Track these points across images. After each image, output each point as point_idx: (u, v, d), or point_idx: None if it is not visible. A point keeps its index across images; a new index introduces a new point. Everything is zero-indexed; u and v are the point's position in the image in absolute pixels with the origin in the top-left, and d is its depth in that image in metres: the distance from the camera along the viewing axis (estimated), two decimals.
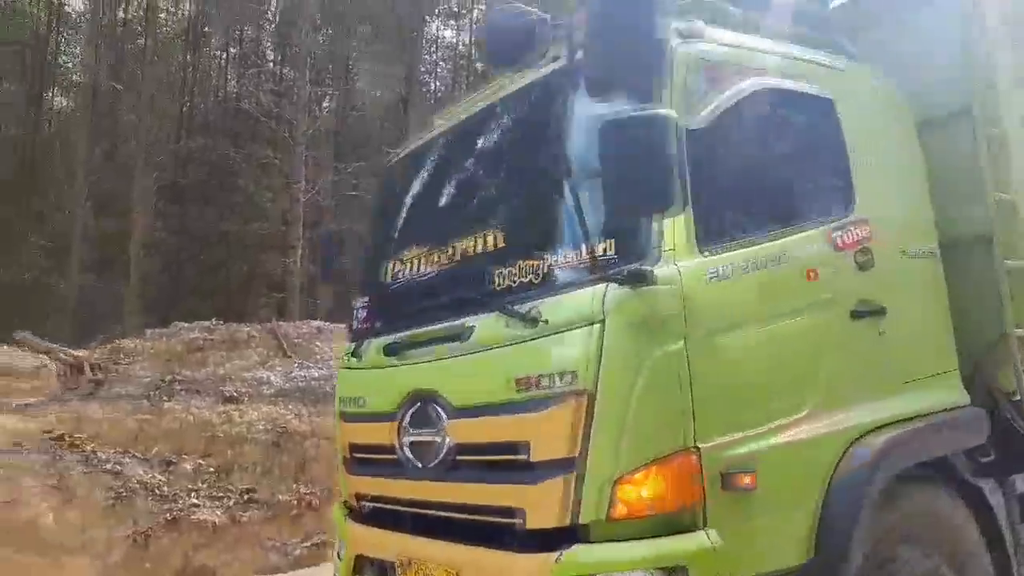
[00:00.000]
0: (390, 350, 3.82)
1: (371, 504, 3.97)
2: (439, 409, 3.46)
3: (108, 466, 8.24)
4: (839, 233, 3.44)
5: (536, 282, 3.19)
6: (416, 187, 4.28)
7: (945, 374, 3.79)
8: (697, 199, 3.05)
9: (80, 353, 13.02)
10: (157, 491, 8.09)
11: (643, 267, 2.86)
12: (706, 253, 3.04)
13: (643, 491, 2.81)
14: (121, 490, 7.84)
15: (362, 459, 4.03)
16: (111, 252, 26.32)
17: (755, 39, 3.57)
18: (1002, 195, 4.03)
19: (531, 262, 3.23)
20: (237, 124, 27.88)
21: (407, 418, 3.61)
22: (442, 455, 3.43)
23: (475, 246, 3.52)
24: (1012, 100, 4.16)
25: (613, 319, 2.89)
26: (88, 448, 8.64)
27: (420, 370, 3.65)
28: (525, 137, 3.52)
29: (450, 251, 3.66)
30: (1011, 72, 4.20)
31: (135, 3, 28.74)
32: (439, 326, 3.57)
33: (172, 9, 29.32)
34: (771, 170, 3.39)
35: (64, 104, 28.50)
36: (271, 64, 30.18)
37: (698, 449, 2.86)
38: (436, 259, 3.76)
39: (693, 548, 2.77)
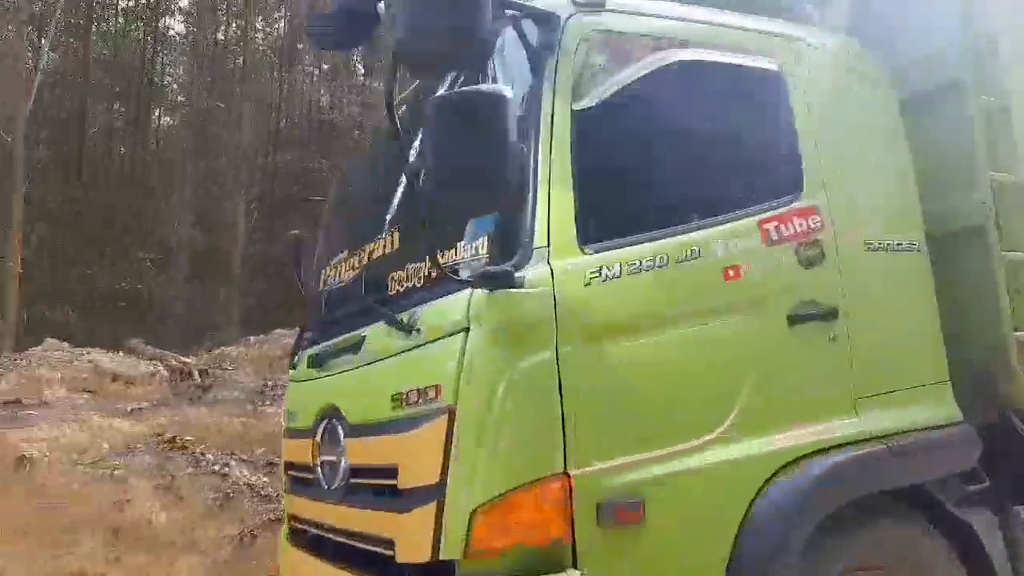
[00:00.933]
0: (314, 361, 3.61)
1: (299, 526, 3.75)
2: (340, 426, 3.22)
3: (215, 467, 8.40)
4: (775, 225, 2.97)
5: (419, 286, 2.90)
6: (349, 191, 4.11)
7: (929, 387, 3.24)
8: (584, 190, 2.68)
9: (187, 359, 13.59)
10: (260, 491, 8.19)
11: (504, 268, 2.51)
12: (590, 251, 2.65)
13: (504, 524, 2.45)
14: (227, 490, 7.95)
15: (293, 477, 3.82)
16: (212, 262, 27.36)
17: (683, 7, 3.15)
18: (1005, 176, 3.45)
19: (417, 264, 2.94)
20: (325, 137, 28.54)
21: (318, 435, 3.38)
22: (340, 477, 3.18)
23: (378, 249, 3.26)
24: (1018, 68, 3.57)
25: (475, 327, 2.56)
26: (195, 450, 8.85)
27: (330, 383, 3.43)
28: (412, 133, 3.21)
29: (362, 255, 3.42)
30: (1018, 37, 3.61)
31: (233, 25, 29.87)
32: (345, 336, 3.34)
33: (267, 30, 30.31)
34: (684, 155, 2.94)
35: (166, 122, 29.92)
36: (360, 77, 30.78)
37: (568, 475, 2.48)
38: (354, 264, 3.52)
39: None
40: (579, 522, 2.46)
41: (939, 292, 3.39)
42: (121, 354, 15.70)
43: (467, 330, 2.57)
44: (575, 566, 2.43)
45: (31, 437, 8.06)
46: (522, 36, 2.78)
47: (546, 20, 2.78)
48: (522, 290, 2.50)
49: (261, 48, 28.86)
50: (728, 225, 2.87)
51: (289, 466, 3.86)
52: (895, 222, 3.33)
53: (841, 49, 3.44)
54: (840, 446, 2.90)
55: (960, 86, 3.45)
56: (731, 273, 2.84)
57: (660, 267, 2.72)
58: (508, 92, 2.37)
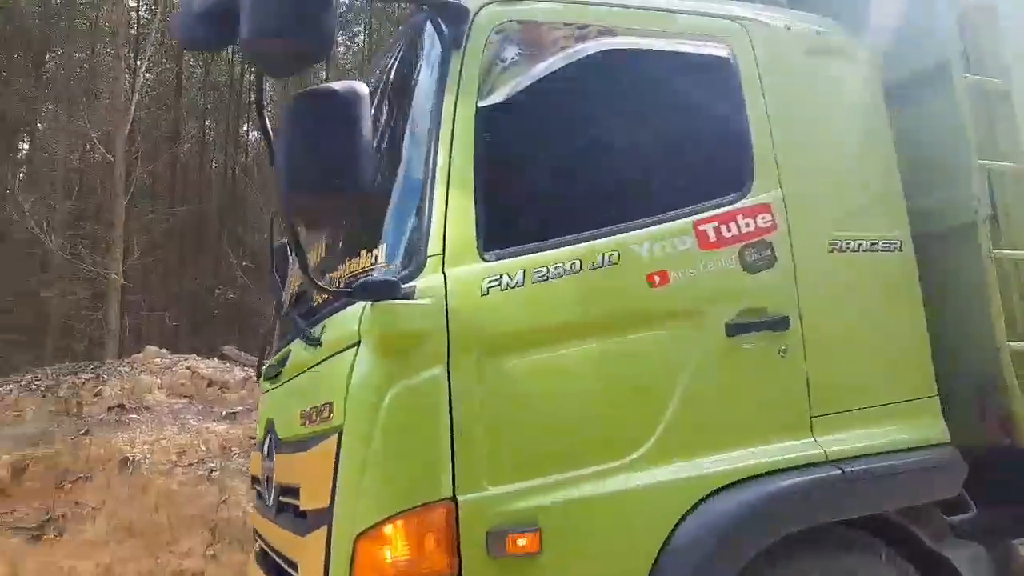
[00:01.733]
0: (265, 373, 3.56)
1: (258, 542, 3.68)
2: (275, 442, 3.14)
3: None
4: (714, 226, 2.69)
5: (329, 298, 2.77)
6: None
7: (907, 403, 2.90)
8: (490, 192, 2.48)
9: None
10: None
11: (386, 278, 2.34)
12: (491, 258, 2.45)
13: (386, 551, 2.28)
14: None
15: (256, 491, 3.76)
16: None
17: None
18: (1006, 165, 3.08)
19: (334, 273, 2.81)
20: None
21: (265, 449, 3.31)
22: (272, 494, 3.09)
23: (311, 257, 3.15)
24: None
25: (364, 341, 2.40)
26: None
27: (271, 397, 3.38)
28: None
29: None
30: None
31: None
32: (282, 349, 3.26)
33: (348, 44, 30.89)
34: (607, 153, 2.71)
35: (255, 136, 30.83)
36: None
37: (455, 500, 2.29)
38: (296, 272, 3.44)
39: None
40: (466, 552, 2.26)
41: (936, 297, 3.05)
42: (217, 360, 16.31)
43: (358, 344, 2.42)
44: None
45: (134, 440, 8.41)
46: (434, 30, 2.62)
47: (455, 12, 2.60)
48: (410, 302, 2.33)
49: (342, 62, 29.44)
50: (656, 228, 2.61)
51: (253, 479, 3.81)
52: (871, 218, 3.00)
53: (807, 28, 3.12)
54: (786, 470, 2.60)
55: (946, 68, 3.09)
56: (657, 279, 2.58)
57: (571, 274, 2.49)
58: (363, 90, 2.21)
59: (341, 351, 2.51)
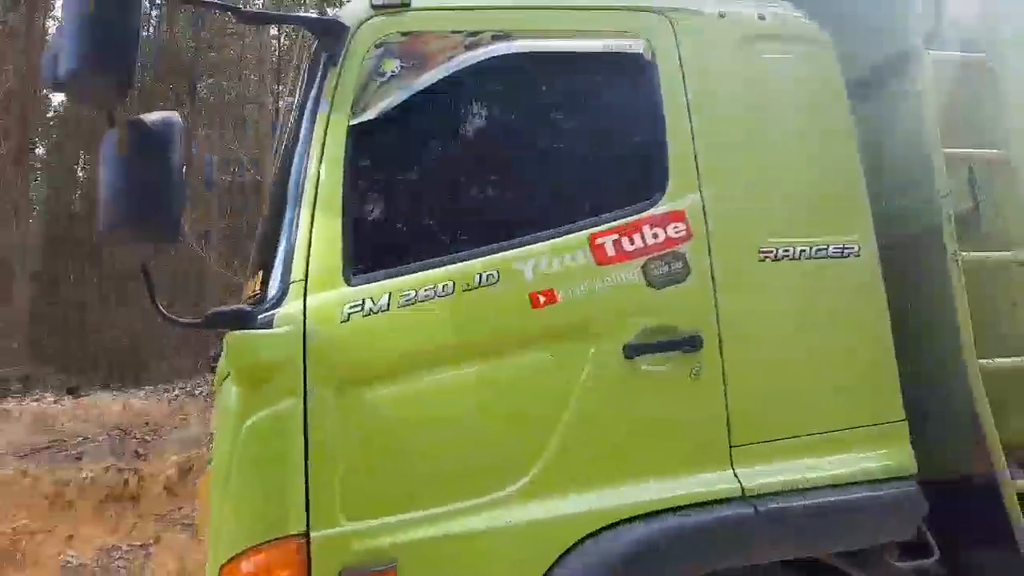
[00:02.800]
0: None
1: None
2: None
3: None
4: (613, 239, 2.48)
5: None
6: None
7: (860, 430, 2.57)
8: (358, 213, 2.41)
9: None
10: None
11: (237, 307, 2.31)
12: (357, 282, 2.36)
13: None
14: None
15: None
16: None
17: None
18: (990, 152, 2.67)
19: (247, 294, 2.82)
20: None
21: None
22: None
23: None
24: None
25: (232, 371, 2.38)
26: None
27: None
28: None
29: None
30: None
31: None
32: None
33: None
34: (496, 167, 2.56)
35: None
36: None
37: (307, 536, 2.22)
38: None
39: None
40: None
41: (924, 309, 2.69)
42: None
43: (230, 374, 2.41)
44: None
45: None
46: (319, 50, 2.57)
47: (333, 29, 2.53)
48: (266, 331, 2.29)
49: None
50: (544, 244, 2.44)
51: None
52: (819, 221, 2.68)
53: (748, 13, 2.82)
54: (690, 507, 2.36)
55: (915, 46, 2.71)
56: (542, 299, 2.40)
57: (442, 296, 2.36)
58: (174, 120, 2.17)
59: (224, 379, 2.51)
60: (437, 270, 2.37)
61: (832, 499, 2.43)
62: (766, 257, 2.58)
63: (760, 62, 2.77)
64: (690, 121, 2.63)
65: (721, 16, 2.79)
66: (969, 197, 2.72)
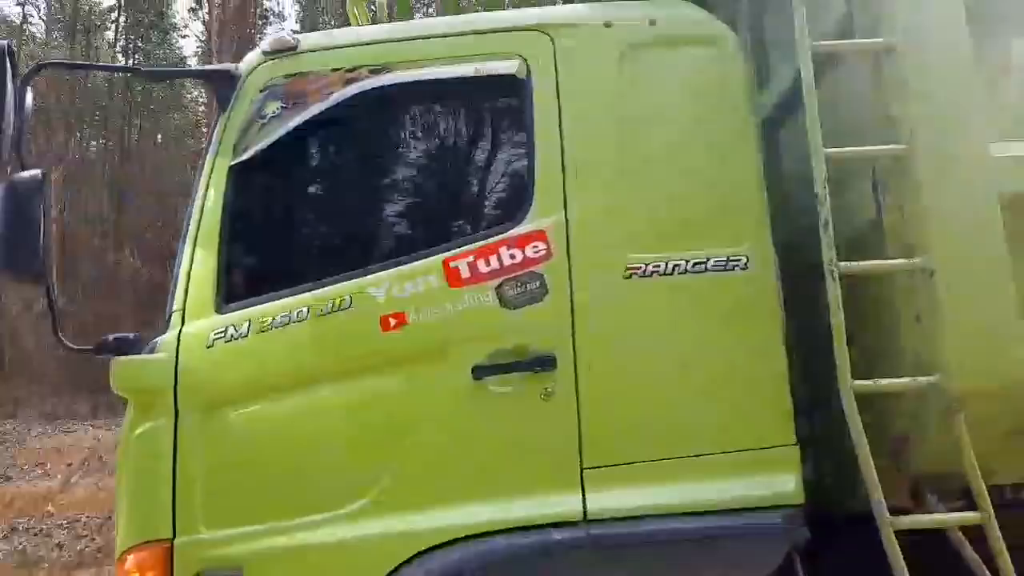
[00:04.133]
0: None
1: None
2: None
3: None
4: (468, 261, 2.50)
5: None
6: None
7: (736, 454, 2.43)
8: (232, 247, 2.61)
9: None
10: None
11: (118, 336, 2.58)
12: (226, 311, 2.56)
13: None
14: None
15: None
16: None
17: (403, 26, 2.83)
18: (895, 148, 2.43)
19: None
20: None
21: None
22: None
23: None
24: None
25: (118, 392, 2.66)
26: None
27: None
28: None
29: None
30: None
31: None
32: None
33: None
34: (355, 195, 2.67)
35: None
36: None
37: (170, 542, 2.45)
38: None
39: None
40: None
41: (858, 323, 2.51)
42: None
43: None
44: None
45: None
46: (218, 98, 2.81)
47: (225, 78, 2.76)
48: (145, 357, 2.55)
49: None
50: (397, 269, 2.52)
51: None
52: (700, 234, 2.55)
53: (637, 20, 2.73)
54: (528, 528, 2.34)
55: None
56: (392, 322, 2.48)
57: (297, 322, 2.50)
58: (37, 177, 2.45)
59: None
60: (295, 297, 2.53)
61: (679, 525, 2.32)
62: (633, 274, 2.50)
63: (648, 70, 2.68)
64: (561, 139, 2.60)
65: (607, 26, 2.73)
66: (872, 201, 2.47)
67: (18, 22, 27.67)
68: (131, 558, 2.47)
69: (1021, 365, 2.25)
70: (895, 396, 2.41)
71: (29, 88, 2.64)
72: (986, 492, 2.24)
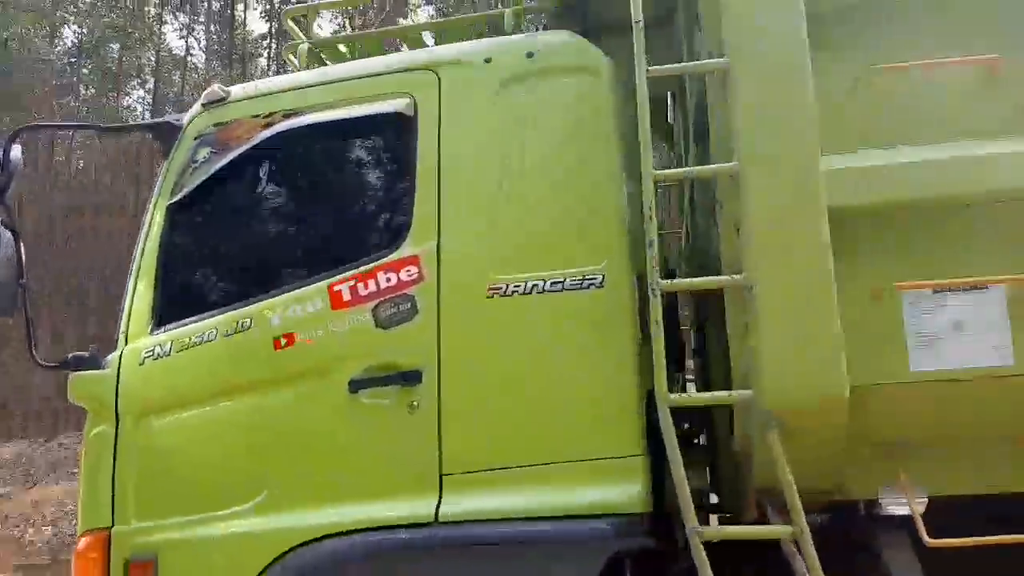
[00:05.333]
0: None
1: None
2: None
3: None
4: (349, 285, 2.78)
5: None
6: None
7: (572, 464, 2.59)
8: (166, 278, 3.02)
9: None
10: None
11: (76, 354, 3.03)
12: (158, 333, 2.97)
13: (81, 559, 2.96)
14: None
15: None
16: None
17: (311, 74, 3.14)
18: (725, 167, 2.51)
19: None
20: None
21: None
22: None
23: None
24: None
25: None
26: None
27: None
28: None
29: None
30: None
31: None
32: None
33: None
34: (264, 227, 3.00)
35: None
36: None
37: (109, 530, 2.87)
38: None
39: None
40: (112, 572, 2.84)
41: None
42: None
43: None
44: None
45: None
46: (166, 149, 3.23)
47: (168, 130, 3.17)
48: (94, 372, 3.00)
49: None
50: (290, 294, 2.83)
51: None
52: (560, 253, 2.71)
53: (515, 54, 2.91)
54: (388, 527, 2.59)
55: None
56: (283, 342, 2.80)
57: (207, 342, 2.87)
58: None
59: None
60: (209, 320, 2.90)
61: (487, 530, 2.51)
62: (494, 294, 2.69)
63: (523, 101, 2.85)
64: (439, 171, 2.82)
65: (487, 61, 2.93)
66: (711, 220, 2.53)
67: (182, 55, 30.36)
68: (82, 541, 2.91)
69: (841, 383, 2.27)
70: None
71: (15, 148, 3.13)
72: (800, 507, 2.27)
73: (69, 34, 23.47)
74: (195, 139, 3.11)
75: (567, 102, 2.83)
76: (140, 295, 3.01)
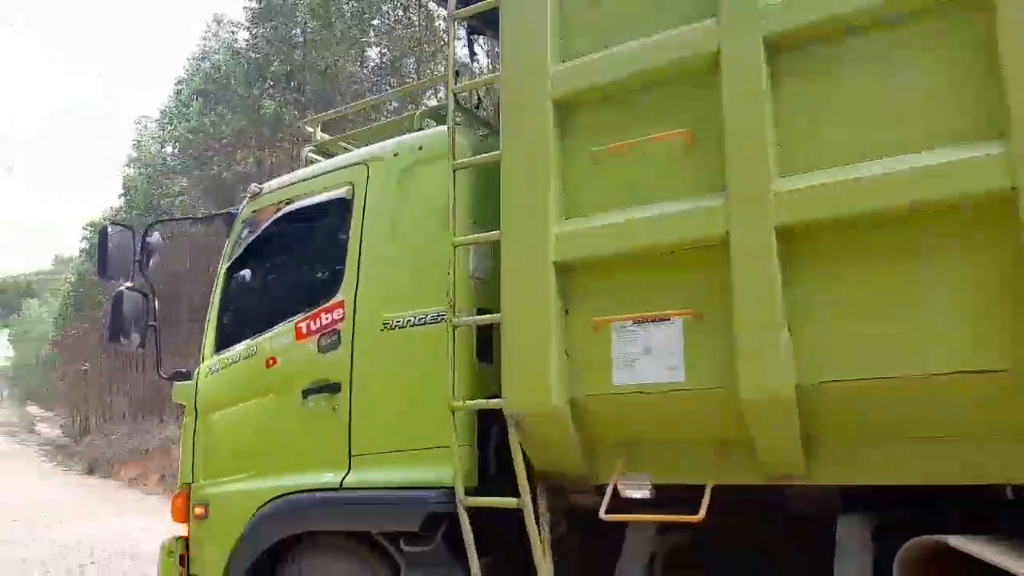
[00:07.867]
0: None
1: None
2: None
3: None
4: (306, 323, 4.02)
5: None
6: None
7: (423, 451, 3.58)
8: (223, 318, 4.52)
9: None
10: None
11: (180, 370, 4.63)
12: (216, 356, 4.45)
13: (177, 506, 4.54)
14: None
15: None
16: None
17: (307, 169, 4.40)
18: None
19: None
20: None
21: None
22: None
23: None
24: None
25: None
26: None
27: None
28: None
29: None
30: None
31: None
32: None
33: None
34: (271, 282, 4.34)
35: None
36: None
37: (189, 486, 4.42)
38: None
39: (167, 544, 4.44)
40: (191, 515, 4.38)
41: None
42: None
43: None
44: (188, 544, 4.38)
45: None
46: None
47: (230, 218, 4.67)
48: (185, 382, 4.58)
49: None
50: (275, 330, 4.15)
51: None
52: (423, 296, 3.68)
53: (411, 149, 3.92)
54: (310, 491, 3.82)
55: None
56: (271, 363, 4.14)
57: (235, 363, 4.31)
58: (122, 288, 4.54)
59: None
60: (236, 347, 4.33)
61: (386, 494, 3.59)
62: (385, 327, 3.76)
63: (415, 184, 3.87)
64: (361, 240, 3.95)
65: (395, 155, 3.99)
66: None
67: (466, 61, 33.17)
68: (180, 494, 4.51)
69: (552, 396, 3.03)
70: None
71: (154, 235, 4.79)
72: (527, 486, 3.12)
73: (373, 55, 25.49)
74: (242, 223, 4.56)
75: (438, 181, 3.78)
76: (211, 328, 4.53)
